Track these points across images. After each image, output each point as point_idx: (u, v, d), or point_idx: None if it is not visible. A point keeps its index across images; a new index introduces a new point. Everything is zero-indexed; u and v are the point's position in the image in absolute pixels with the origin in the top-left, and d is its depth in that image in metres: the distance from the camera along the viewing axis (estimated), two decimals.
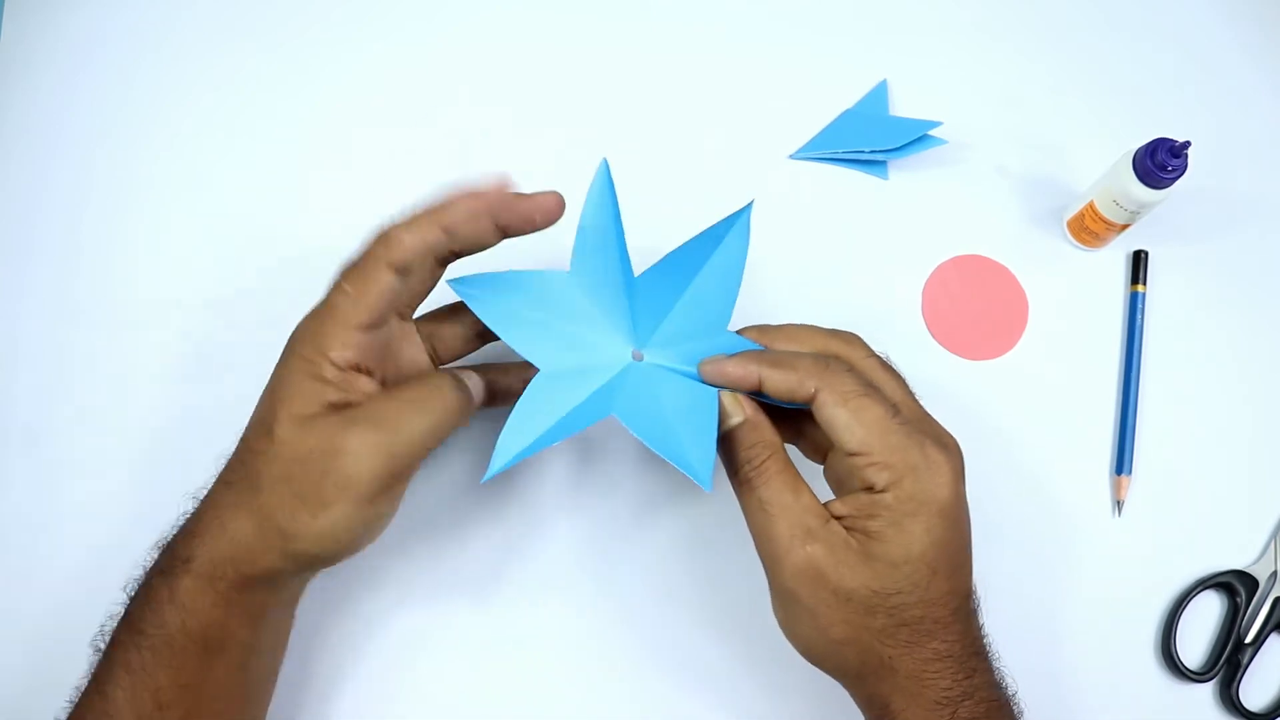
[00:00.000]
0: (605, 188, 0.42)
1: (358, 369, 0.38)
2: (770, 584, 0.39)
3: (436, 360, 0.44)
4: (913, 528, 0.37)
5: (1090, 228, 0.55)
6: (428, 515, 0.49)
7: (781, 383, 0.39)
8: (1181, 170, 0.50)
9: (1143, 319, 0.55)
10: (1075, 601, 0.51)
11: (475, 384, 0.42)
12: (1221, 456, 0.54)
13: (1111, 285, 0.57)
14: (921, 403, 0.41)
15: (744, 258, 0.43)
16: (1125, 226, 0.54)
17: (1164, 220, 0.56)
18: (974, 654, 0.39)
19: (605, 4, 0.60)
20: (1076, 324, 0.56)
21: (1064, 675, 0.50)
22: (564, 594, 0.49)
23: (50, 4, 0.57)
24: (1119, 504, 0.53)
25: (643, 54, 0.59)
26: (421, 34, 0.59)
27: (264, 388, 0.40)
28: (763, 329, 0.42)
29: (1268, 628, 0.51)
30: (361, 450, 0.36)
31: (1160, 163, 0.49)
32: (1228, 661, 0.50)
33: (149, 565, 0.39)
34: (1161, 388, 0.55)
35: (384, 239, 0.39)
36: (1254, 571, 0.51)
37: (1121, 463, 0.53)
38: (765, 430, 0.40)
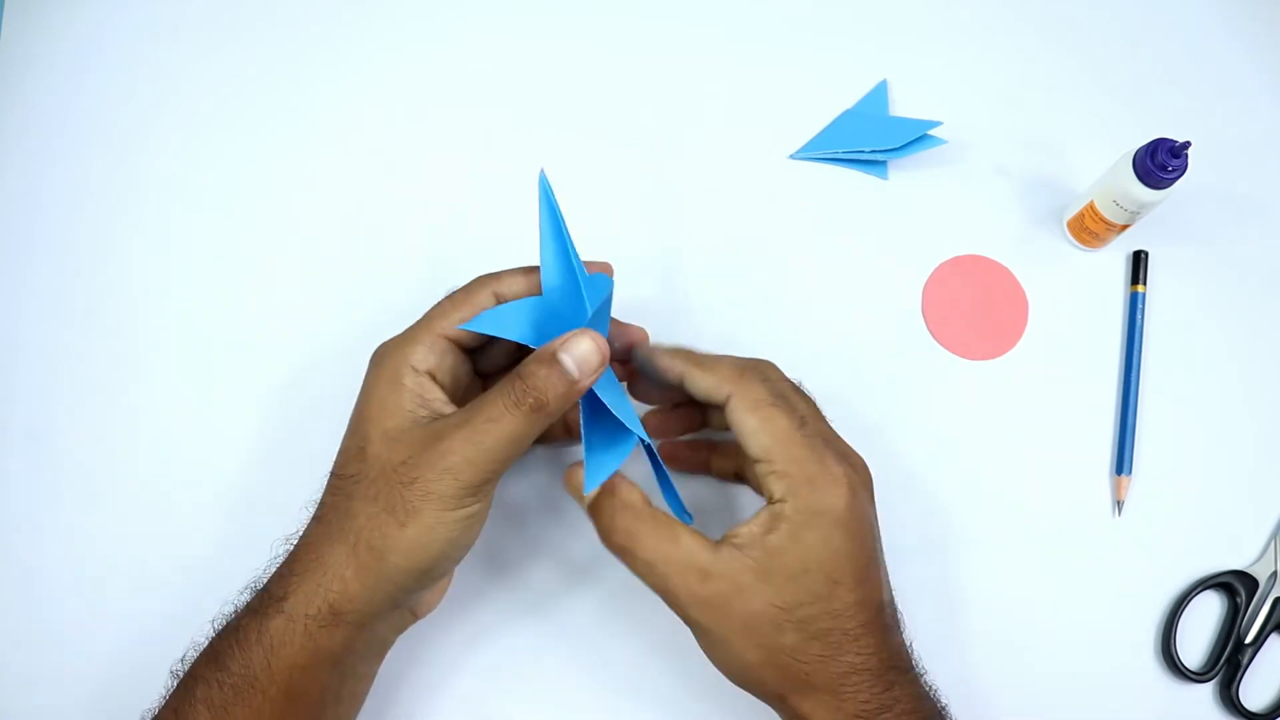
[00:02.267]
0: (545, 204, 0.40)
1: (432, 377, 0.39)
2: (687, 624, 0.39)
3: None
4: (808, 538, 0.38)
5: (1090, 228, 0.55)
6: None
7: (701, 382, 0.41)
8: (1181, 170, 0.50)
9: (1143, 319, 0.55)
10: (1075, 602, 0.51)
11: (580, 352, 0.38)
12: (1221, 456, 0.54)
13: (1111, 285, 0.57)
14: (832, 425, 0.41)
15: (556, 222, 0.40)
16: (1125, 227, 0.54)
17: (1164, 220, 0.56)
18: (892, 667, 0.39)
19: (606, 4, 0.60)
20: (1076, 324, 0.56)
21: (1064, 675, 0.50)
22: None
23: (50, 4, 0.57)
24: (1119, 504, 0.53)
25: (643, 54, 0.59)
26: (423, 34, 0.59)
27: (351, 414, 0.40)
28: (687, 354, 0.42)
29: (1268, 628, 0.51)
30: (446, 459, 0.36)
31: (1160, 163, 0.49)
32: (1228, 661, 0.50)
33: (240, 605, 0.39)
34: (1161, 388, 0.55)
35: (492, 274, 0.41)
36: (1254, 571, 0.51)
37: (1121, 463, 0.53)
38: (621, 491, 0.40)
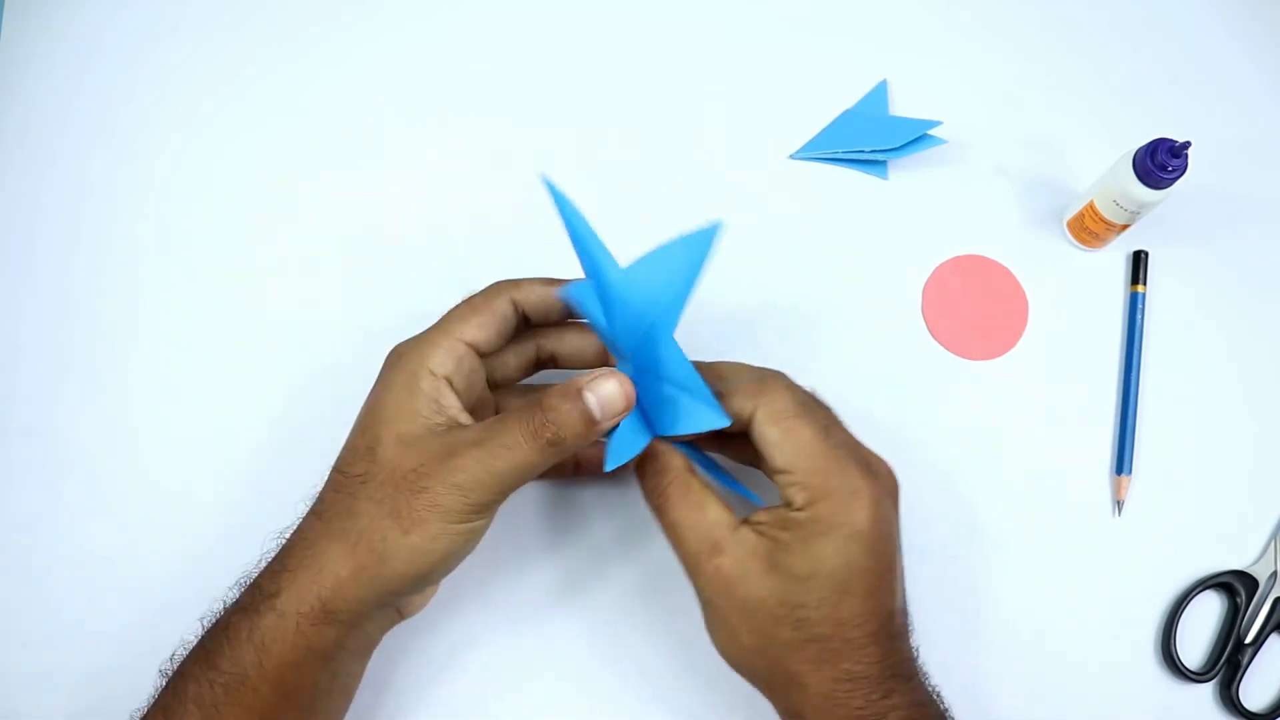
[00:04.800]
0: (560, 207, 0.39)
1: (449, 383, 0.39)
2: (695, 595, 0.40)
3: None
4: (822, 547, 0.37)
5: (1090, 228, 0.55)
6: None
7: (725, 406, 0.40)
8: (1181, 170, 0.50)
9: (1143, 319, 0.55)
10: (1075, 601, 0.51)
11: (605, 393, 0.38)
12: (1221, 456, 0.54)
13: (1111, 285, 0.57)
14: (851, 432, 0.41)
15: (698, 273, 0.40)
16: (1125, 227, 0.54)
17: (1164, 220, 0.56)
18: (893, 675, 0.38)
19: (606, 5, 0.60)
20: (1076, 324, 0.56)
21: (1064, 675, 0.50)
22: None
23: (50, 4, 0.57)
24: (1119, 504, 0.53)
25: (643, 54, 0.59)
26: (423, 35, 0.59)
27: (361, 411, 0.40)
28: (697, 365, 0.41)
29: (1268, 628, 0.51)
30: (456, 476, 0.37)
31: (1160, 163, 0.49)
32: (1228, 661, 0.50)
33: (229, 601, 0.39)
34: (1161, 388, 0.55)
35: (512, 280, 0.41)
36: (1254, 571, 0.51)
37: (1121, 463, 0.53)
38: (664, 456, 0.40)
